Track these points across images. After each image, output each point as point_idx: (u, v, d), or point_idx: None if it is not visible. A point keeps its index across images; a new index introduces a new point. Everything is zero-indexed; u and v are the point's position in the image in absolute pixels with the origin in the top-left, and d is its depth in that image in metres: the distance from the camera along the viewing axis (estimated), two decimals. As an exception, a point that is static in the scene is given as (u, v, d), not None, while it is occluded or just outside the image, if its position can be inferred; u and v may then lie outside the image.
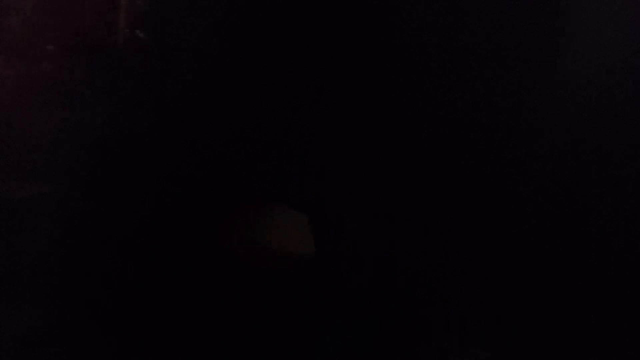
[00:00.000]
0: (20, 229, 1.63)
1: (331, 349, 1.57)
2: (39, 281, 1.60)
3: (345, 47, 1.57)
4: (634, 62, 1.53)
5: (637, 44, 1.52)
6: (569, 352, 1.52)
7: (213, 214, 1.65)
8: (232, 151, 1.63)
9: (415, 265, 1.58)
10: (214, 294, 1.61)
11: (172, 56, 1.65)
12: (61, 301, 1.60)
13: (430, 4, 1.54)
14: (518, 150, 1.55)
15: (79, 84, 1.68)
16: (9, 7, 1.68)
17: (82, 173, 1.65)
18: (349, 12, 1.56)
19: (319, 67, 1.58)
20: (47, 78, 1.68)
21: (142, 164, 1.64)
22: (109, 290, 1.60)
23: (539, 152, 1.55)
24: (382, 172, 1.59)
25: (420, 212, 1.58)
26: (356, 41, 1.57)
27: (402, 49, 1.56)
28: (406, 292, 1.59)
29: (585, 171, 1.54)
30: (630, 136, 1.53)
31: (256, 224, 1.66)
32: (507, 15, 1.52)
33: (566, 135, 1.54)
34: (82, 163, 1.65)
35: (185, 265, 1.64)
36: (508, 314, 1.55)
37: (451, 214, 1.57)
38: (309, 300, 1.60)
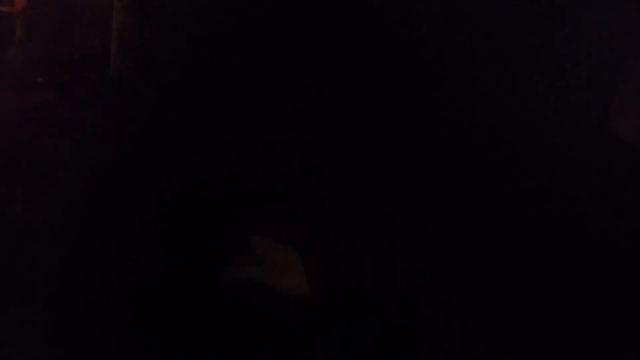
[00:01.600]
0: (22, 231, 1.64)
1: (332, 349, 1.57)
2: (40, 281, 1.61)
3: (345, 47, 1.58)
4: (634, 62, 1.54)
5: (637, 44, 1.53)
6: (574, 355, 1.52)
7: (212, 215, 1.65)
8: (232, 152, 1.63)
9: (420, 266, 1.58)
10: (213, 294, 1.61)
11: (172, 57, 1.66)
12: (61, 301, 1.60)
13: (430, 4, 1.55)
14: (518, 151, 1.55)
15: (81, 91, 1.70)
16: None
17: (84, 177, 1.66)
18: (349, 12, 1.57)
19: (319, 68, 1.59)
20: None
21: (143, 167, 1.64)
22: (108, 292, 1.60)
23: (539, 153, 1.55)
24: (383, 172, 1.59)
25: (422, 212, 1.58)
26: (356, 41, 1.57)
27: (402, 49, 1.57)
28: (410, 294, 1.59)
29: (585, 172, 1.54)
30: (630, 136, 1.54)
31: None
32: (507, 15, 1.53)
33: (566, 135, 1.55)
34: (84, 167, 1.66)
35: (185, 267, 1.64)
36: (512, 316, 1.54)
37: (454, 214, 1.57)
38: (309, 301, 1.60)
